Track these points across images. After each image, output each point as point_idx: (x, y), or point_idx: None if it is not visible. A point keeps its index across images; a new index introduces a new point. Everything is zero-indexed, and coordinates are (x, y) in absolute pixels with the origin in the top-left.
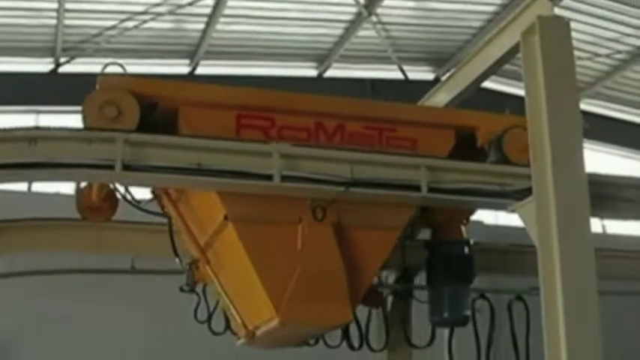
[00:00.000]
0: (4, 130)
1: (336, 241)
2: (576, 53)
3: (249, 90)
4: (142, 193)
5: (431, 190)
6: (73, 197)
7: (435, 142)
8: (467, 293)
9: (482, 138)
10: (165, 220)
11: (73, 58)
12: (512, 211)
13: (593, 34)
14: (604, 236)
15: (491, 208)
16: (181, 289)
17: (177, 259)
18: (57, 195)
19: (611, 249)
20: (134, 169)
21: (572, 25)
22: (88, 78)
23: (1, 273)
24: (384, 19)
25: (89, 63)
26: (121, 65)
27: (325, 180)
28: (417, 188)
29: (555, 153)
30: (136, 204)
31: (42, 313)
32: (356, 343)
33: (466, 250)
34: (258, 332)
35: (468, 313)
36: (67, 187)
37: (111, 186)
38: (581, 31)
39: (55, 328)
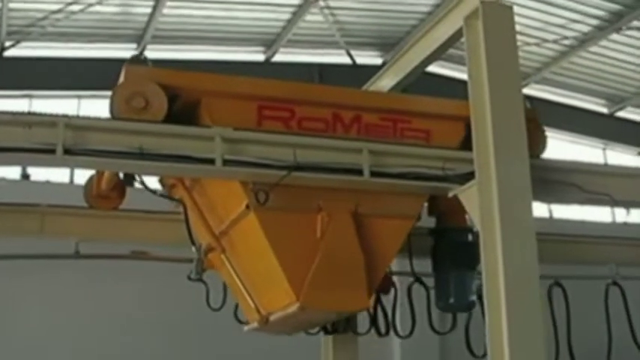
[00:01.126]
0: None
1: (355, 229)
2: (523, 39)
3: (271, 81)
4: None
5: (374, 174)
6: (17, 182)
7: (447, 134)
8: (472, 279)
9: None
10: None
11: (18, 41)
12: (455, 195)
13: (540, 19)
14: (550, 221)
15: (434, 192)
16: (189, 278)
17: (192, 248)
18: (2, 180)
19: (557, 233)
20: (75, 154)
21: (520, 10)
22: (34, 62)
23: None
24: (332, 4)
25: (35, 47)
26: (145, 56)
27: (268, 164)
28: (360, 172)
29: (497, 137)
30: (153, 191)
31: None
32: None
33: (470, 237)
34: (273, 317)
35: (474, 298)
36: (13, 173)
37: (120, 175)
38: (529, 16)
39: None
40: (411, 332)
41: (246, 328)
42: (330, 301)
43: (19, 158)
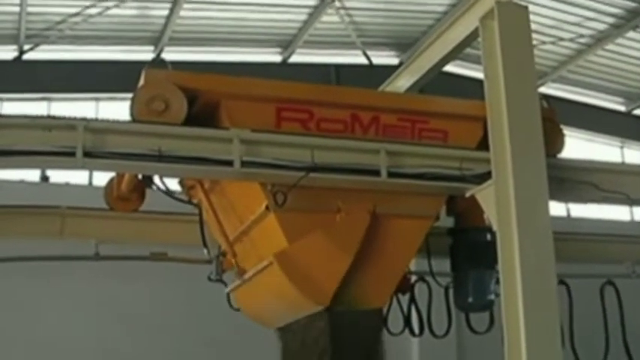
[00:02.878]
0: None
1: (367, 232)
2: (539, 37)
3: (289, 83)
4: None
5: (391, 174)
6: (36, 184)
7: (465, 134)
8: (490, 278)
9: None
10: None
11: (37, 45)
12: (472, 194)
13: (555, 18)
14: (568, 220)
15: (451, 192)
16: (209, 279)
17: (205, 250)
18: (22, 183)
19: (575, 232)
20: (95, 156)
21: (535, 9)
22: (52, 65)
23: None
24: (348, 5)
25: (53, 50)
26: (163, 59)
27: (285, 165)
28: (378, 173)
29: (514, 137)
30: (170, 193)
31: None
32: None
33: (488, 236)
34: (248, 274)
35: (492, 297)
36: (33, 175)
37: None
38: (544, 15)
39: (15, 315)
40: (424, 332)
41: (227, 289)
42: (298, 277)
43: (39, 161)
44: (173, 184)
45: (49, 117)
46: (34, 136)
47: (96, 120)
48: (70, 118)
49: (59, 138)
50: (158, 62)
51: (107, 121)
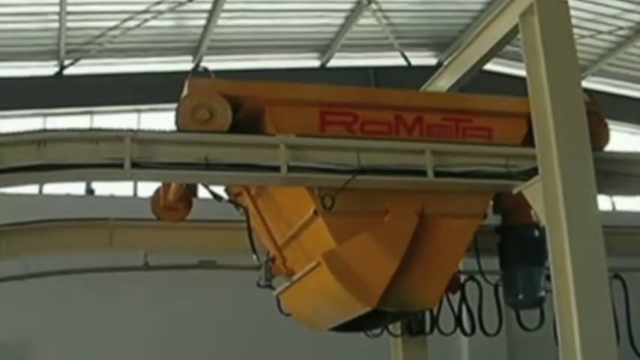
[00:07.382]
0: (13, 133)
1: (415, 233)
2: (578, 31)
3: (332, 87)
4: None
5: (437, 174)
6: (82, 197)
7: (509, 131)
8: (540, 275)
9: None
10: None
11: (77, 60)
12: (519, 191)
13: (593, 11)
14: (613, 213)
15: (498, 189)
16: (258, 285)
17: (254, 256)
18: (68, 196)
19: (620, 226)
20: (143, 167)
21: (572, 3)
22: (93, 79)
23: (16, 275)
24: (384, 7)
25: (93, 64)
26: (206, 68)
27: (332, 169)
28: (424, 173)
29: (559, 132)
30: (219, 199)
31: (58, 313)
32: None
33: (536, 232)
34: (296, 275)
35: (543, 294)
36: (78, 188)
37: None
38: (582, 9)
39: (71, 328)
40: (475, 330)
41: (274, 293)
42: (345, 278)
43: (87, 174)
44: (219, 190)
45: (96, 129)
46: (82, 149)
47: (142, 131)
48: (117, 130)
49: (107, 150)
50: (201, 71)
51: (153, 131)
